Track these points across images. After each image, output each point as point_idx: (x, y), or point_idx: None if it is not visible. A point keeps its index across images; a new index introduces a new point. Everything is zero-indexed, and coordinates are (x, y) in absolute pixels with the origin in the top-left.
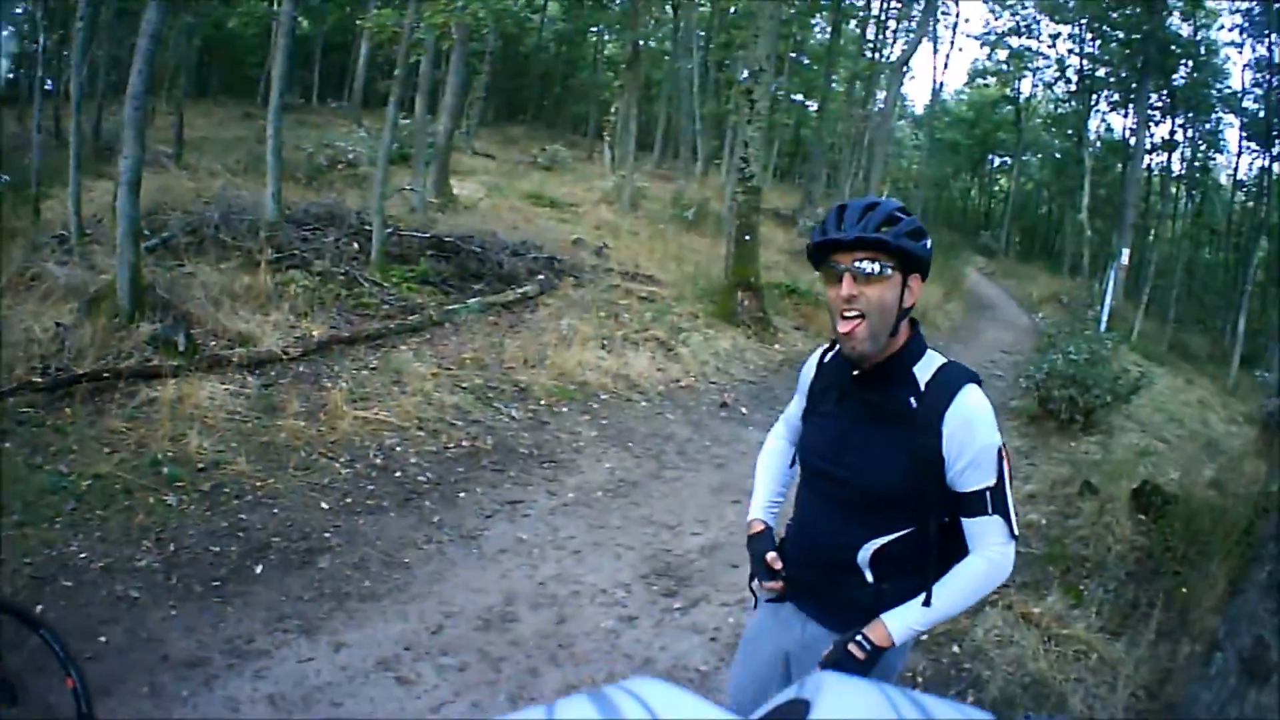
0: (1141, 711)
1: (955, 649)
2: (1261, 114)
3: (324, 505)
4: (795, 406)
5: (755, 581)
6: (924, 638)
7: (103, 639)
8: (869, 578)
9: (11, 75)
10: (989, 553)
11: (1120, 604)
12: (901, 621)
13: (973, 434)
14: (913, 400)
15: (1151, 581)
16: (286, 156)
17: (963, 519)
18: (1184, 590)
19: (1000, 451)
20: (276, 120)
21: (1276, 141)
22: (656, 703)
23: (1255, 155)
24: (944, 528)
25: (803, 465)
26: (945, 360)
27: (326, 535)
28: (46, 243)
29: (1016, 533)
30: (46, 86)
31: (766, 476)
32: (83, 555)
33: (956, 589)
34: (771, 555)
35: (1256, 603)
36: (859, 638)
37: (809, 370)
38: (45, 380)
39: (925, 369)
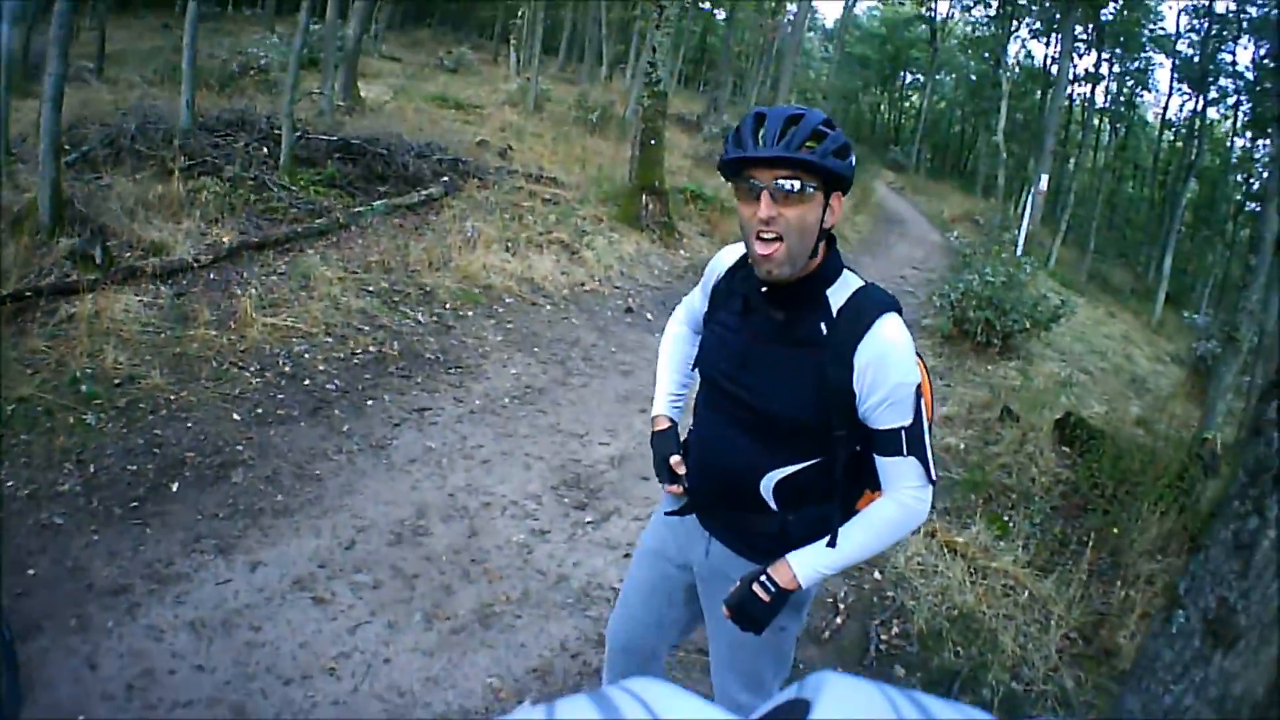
0: (1076, 655)
1: (877, 575)
2: (1196, 59)
3: (236, 416)
4: (698, 300)
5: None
6: None
7: (31, 571)
8: (774, 507)
9: None
10: (902, 497)
11: (1048, 539)
12: (808, 565)
13: (888, 370)
14: (824, 326)
15: (1079, 518)
16: (201, 65)
17: (876, 457)
18: (1115, 531)
19: (918, 389)
20: (192, 30)
21: (1210, 87)
22: (657, 703)
23: (1187, 98)
24: (855, 456)
25: (702, 374)
26: (862, 283)
27: (239, 448)
28: None
29: (934, 477)
30: None
31: (669, 368)
32: (9, 484)
33: (866, 533)
34: (675, 459)
35: (1221, 562)
36: (763, 579)
37: (716, 269)
38: None
39: (840, 292)
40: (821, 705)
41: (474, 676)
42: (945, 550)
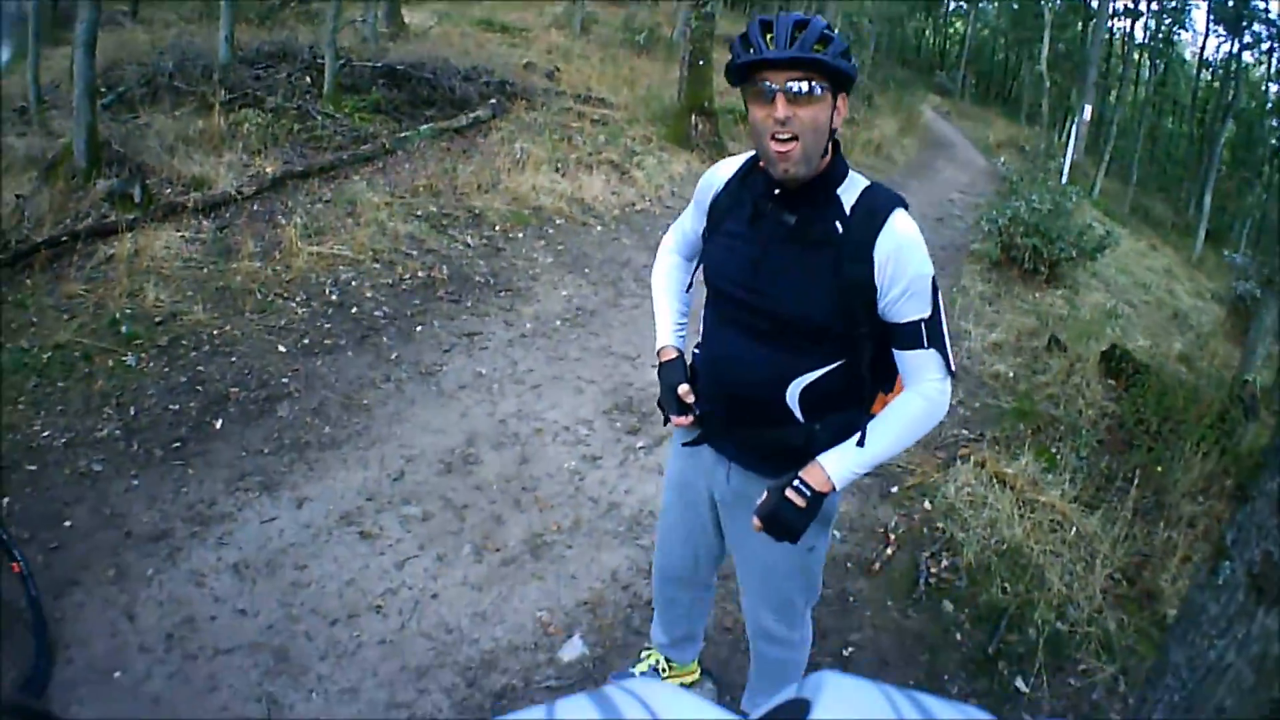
0: (1120, 597)
1: (927, 505)
2: (1231, 3)
3: (281, 349)
4: (691, 221)
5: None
6: (894, 490)
7: (67, 523)
8: (800, 417)
9: None
10: (925, 389)
11: (1094, 474)
12: (840, 464)
13: (906, 262)
14: (838, 225)
15: (1125, 454)
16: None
17: (896, 351)
18: (1159, 469)
19: (934, 280)
20: None
21: (1245, 32)
22: (656, 703)
23: (1223, 40)
24: (873, 358)
25: (711, 290)
26: (869, 182)
27: (285, 380)
28: (7, 117)
29: (954, 368)
30: None
31: (667, 297)
32: (45, 434)
33: (894, 428)
34: (684, 388)
35: (1266, 516)
36: (796, 483)
37: (711, 185)
38: (5, 255)
39: (849, 191)
40: (821, 705)
41: (524, 610)
42: (995, 481)
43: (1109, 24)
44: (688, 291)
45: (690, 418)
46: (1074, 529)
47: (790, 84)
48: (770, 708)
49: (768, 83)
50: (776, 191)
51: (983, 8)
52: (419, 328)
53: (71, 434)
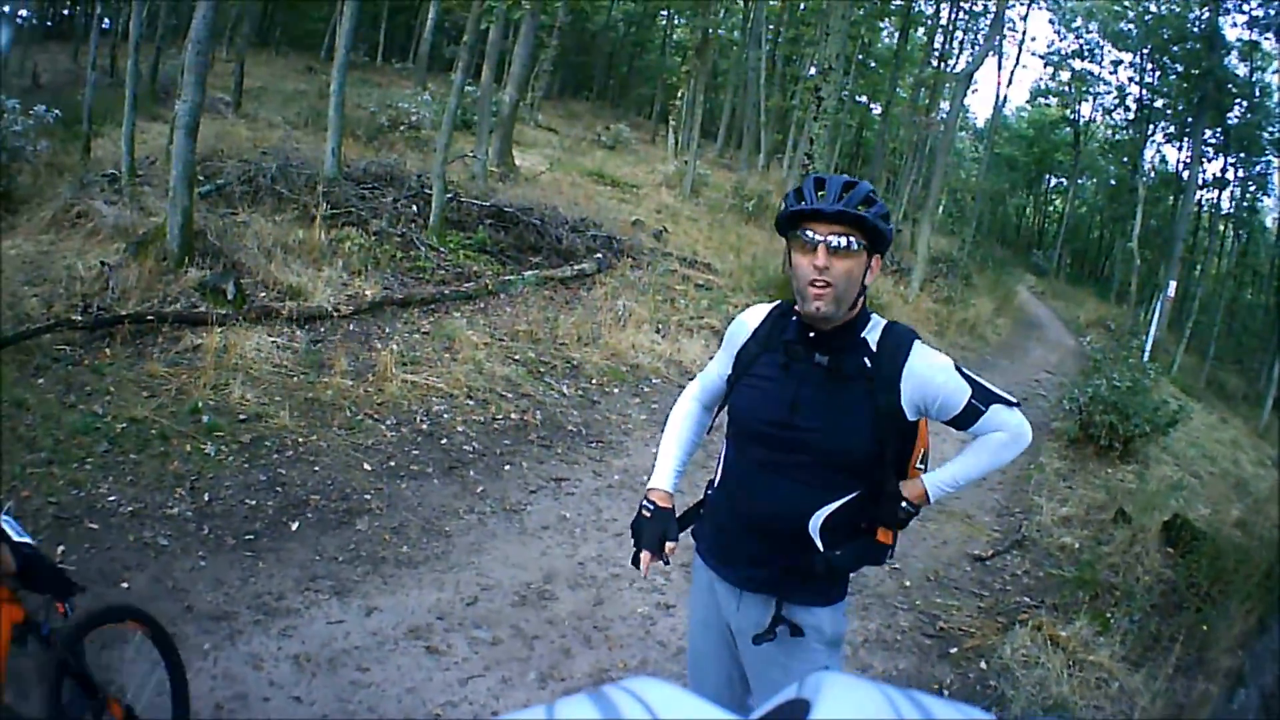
0: None
1: (983, 665)
2: None
3: (366, 466)
4: (719, 365)
5: (644, 552)
6: (953, 651)
7: (124, 584)
8: (820, 545)
9: (66, 10)
10: (1006, 429)
11: (1144, 635)
12: (937, 483)
13: (933, 375)
14: (867, 360)
15: (1174, 615)
16: (348, 114)
17: (969, 431)
18: (1204, 627)
19: (956, 366)
20: (341, 76)
21: None
22: (656, 703)
23: None
24: (884, 490)
25: (740, 431)
26: (886, 321)
27: (367, 497)
28: (95, 181)
29: (1014, 400)
30: (103, 25)
31: (677, 442)
32: (111, 499)
33: (982, 456)
34: (670, 545)
35: None
36: (902, 503)
37: (739, 333)
38: (85, 319)
39: (873, 331)
40: (821, 704)
41: None
42: (1049, 643)
43: (1196, 195)
44: (709, 433)
45: (663, 563)
46: (1118, 684)
47: (832, 237)
48: (770, 708)
49: (813, 233)
50: (811, 335)
51: (1082, 183)
52: (507, 467)
53: (140, 505)
